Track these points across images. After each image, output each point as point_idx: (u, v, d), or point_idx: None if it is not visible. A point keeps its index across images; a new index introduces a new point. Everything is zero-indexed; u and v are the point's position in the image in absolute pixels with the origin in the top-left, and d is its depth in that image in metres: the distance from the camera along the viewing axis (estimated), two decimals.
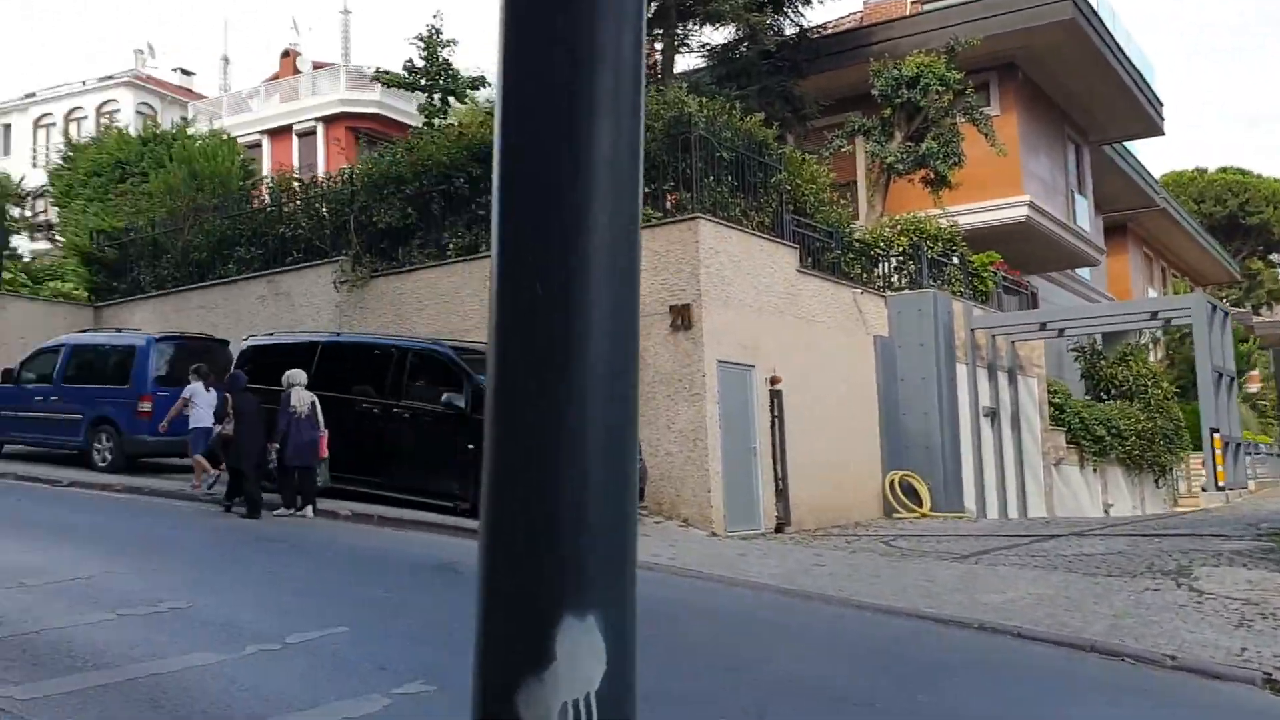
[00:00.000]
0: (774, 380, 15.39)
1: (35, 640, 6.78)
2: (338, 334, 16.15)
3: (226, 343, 17.35)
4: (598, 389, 1.18)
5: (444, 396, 13.27)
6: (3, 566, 8.99)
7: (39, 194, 38.66)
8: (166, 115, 45.89)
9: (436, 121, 20.33)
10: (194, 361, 15.49)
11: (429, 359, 14.02)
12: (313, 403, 13.18)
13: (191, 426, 14.43)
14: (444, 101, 20.89)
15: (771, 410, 15.39)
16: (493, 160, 1.22)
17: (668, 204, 15.76)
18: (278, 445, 12.92)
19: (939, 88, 20.30)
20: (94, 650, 6.64)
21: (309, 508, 13.06)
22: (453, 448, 13.17)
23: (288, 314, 18.54)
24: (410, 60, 20.59)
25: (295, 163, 39.38)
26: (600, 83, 1.20)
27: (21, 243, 35.04)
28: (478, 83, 21.29)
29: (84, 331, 19.08)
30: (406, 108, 42.25)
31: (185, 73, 54.51)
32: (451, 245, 17.32)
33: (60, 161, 33.98)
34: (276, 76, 46.90)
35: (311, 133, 43.24)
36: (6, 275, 22.08)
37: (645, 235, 14.80)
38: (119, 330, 18.59)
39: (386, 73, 20.81)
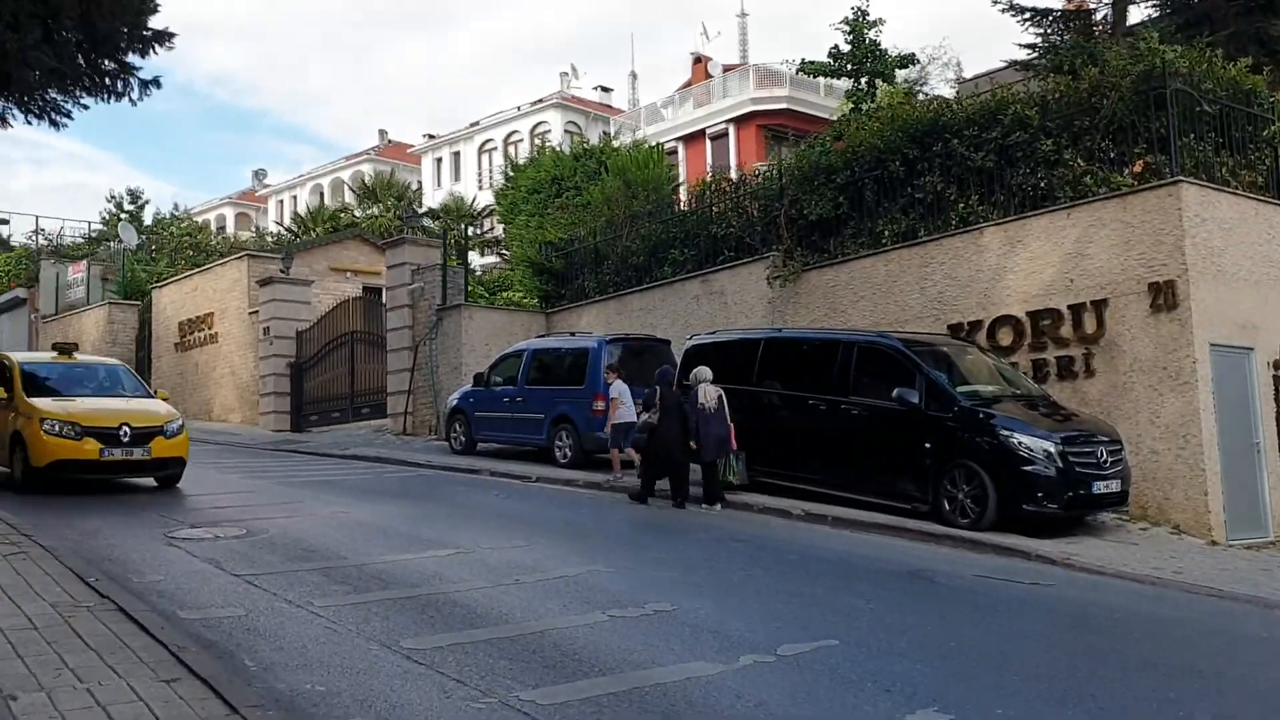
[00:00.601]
0: (1279, 365, 13.27)
1: (541, 641, 6.88)
2: (779, 330, 15.93)
3: (668, 342, 17.81)
4: None
5: (895, 391, 12.55)
6: (499, 563, 9.46)
7: (487, 213, 42.53)
8: (591, 131, 48.90)
9: (864, 106, 19.62)
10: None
11: (876, 352, 13.33)
12: (719, 397, 13.39)
13: (614, 423, 15.08)
14: (870, 85, 20.14)
15: (1277, 400, 13.26)
16: None
17: (1134, 168, 14.03)
18: (693, 444, 13.21)
19: None
20: (596, 654, 6.63)
21: (718, 504, 13.39)
22: (908, 446, 12.45)
23: (721, 312, 18.67)
24: (836, 46, 20.05)
25: (708, 165, 40.37)
26: None
27: (473, 258, 38.59)
28: (906, 61, 20.33)
29: (542, 336, 20.37)
30: (816, 100, 42.08)
31: (604, 90, 57.88)
32: (886, 232, 16.56)
33: (503, 181, 37.01)
34: (689, 84, 48.42)
35: (723, 135, 44.19)
36: (469, 288, 24.11)
37: (1114, 205, 13.27)
38: (571, 334, 19.65)
39: (811, 63, 20.39)
